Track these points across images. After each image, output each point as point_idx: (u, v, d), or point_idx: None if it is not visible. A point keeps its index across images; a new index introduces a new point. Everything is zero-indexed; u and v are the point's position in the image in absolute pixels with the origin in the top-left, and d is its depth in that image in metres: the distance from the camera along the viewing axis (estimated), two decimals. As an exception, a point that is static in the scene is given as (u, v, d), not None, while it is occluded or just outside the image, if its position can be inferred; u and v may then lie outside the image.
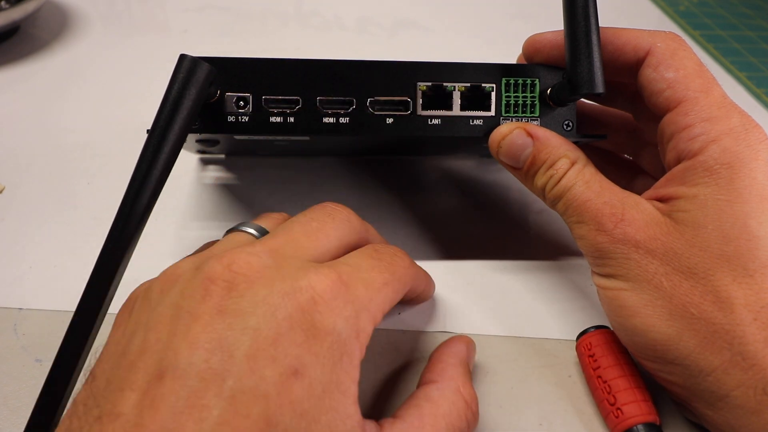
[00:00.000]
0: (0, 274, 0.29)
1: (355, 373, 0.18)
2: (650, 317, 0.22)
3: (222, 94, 0.24)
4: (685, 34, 0.58)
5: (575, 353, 0.27)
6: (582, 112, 0.31)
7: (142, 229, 0.21)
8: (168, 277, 0.20)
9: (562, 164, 0.24)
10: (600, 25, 0.24)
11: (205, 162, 0.37)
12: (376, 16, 0.56)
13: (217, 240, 0.23)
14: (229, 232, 0.23)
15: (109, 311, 0.20)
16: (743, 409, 0.20)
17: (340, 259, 0.21)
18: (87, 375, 0.19)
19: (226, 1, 0.57)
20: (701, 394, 0.21)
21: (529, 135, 0.25)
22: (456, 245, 0.32)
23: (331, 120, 0.25)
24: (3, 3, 0.50)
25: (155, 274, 0.31)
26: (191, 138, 0.27)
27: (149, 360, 0.17)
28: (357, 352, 0.18)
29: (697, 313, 0.21)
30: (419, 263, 0.25)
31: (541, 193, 0.26)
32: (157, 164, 0.21)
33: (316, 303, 0.18)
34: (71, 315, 0.27)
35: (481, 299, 0.30)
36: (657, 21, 0.60)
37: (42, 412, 0.21)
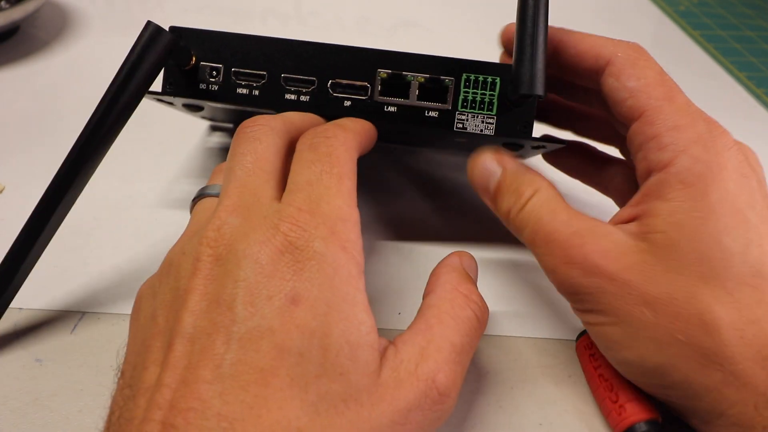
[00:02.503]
0: (0, 274, 0.29)
1: (357, 283, 0.19)
2: (639, 349, 0.21)
3: (198, 63, 0.26)
4: (685, 34, 0.58)
5: (575, 353, 0.27)
6: (565, 106, 0.31)
7: (95, 166, 0.24)
8: (163, 268, 0.21)
9: (527, 191, 0.24)
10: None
11: (213, 128, 0.40)
12: (375, 16, 0.56)
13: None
14: (194, 200, 0.25)
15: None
16: (738, 426, 0.20)
17: (289, 181, 0.22)
18: (117, 377, 0.20)
19: (226, 1, 0.57)
20: (699, 413, 0.21)
21: (500, 163, 0.25)
22: (455, 245, 0.32)
23: (293, 97, 0.26)
24: (3, 3, 0.50)
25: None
26: (179, 102, 0.29)
27: (161, 337, 0.19)
28: (351, 263, 0.19)
29: (684, 339, 0.21)
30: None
31: (506, 218, 0.25)
32: (110, 115, 0.23)
33: (289, 242, 0.19)
34: (71, 315, 0.28)
35: (481, 299, 0.30)
36: (657, 21, 0.60)
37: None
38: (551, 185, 0.24)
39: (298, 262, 0.19)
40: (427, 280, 0.24)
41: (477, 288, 0.23)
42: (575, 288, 0.22)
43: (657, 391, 0.22)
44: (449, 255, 0.25)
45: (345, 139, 0.23)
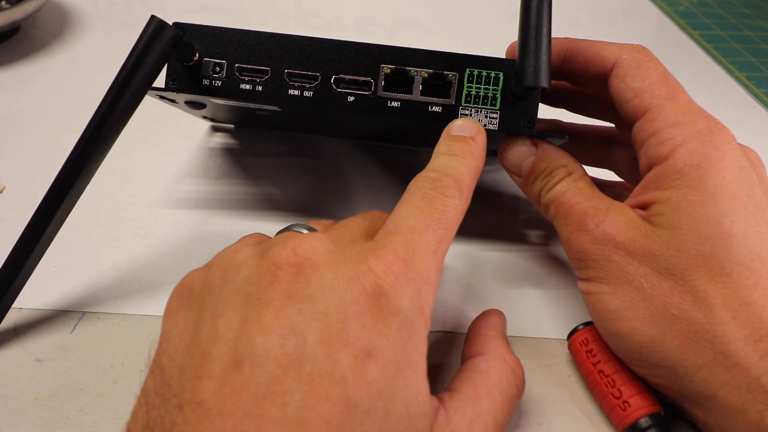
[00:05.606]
0: (0, 273, 0.29)
1: (423, 349, 0.19)
2: (633, 320, 0.22)
3: (201, 59, 0.26)
4: (685, 34, 0.58)
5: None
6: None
7: (103, 155, 0.24)
8: (228, 264, 0.20)
9: (560, 172, 0.26)
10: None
11: (214, 129, 0.40)
12: (376, 16, 0.56)
13: (253, 234, 0.24)
14: (281, 232, 0.23)
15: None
16: (730, 409, 0.20)
17: (390, 219, 0.21)
18: (149, 367, 0.19)
19: (226, 1, 0.57)
20: (689, 394, 0.22)
21: (534, 145, 0.26)
22: (456, 244, 0.32)
23: (296, 92, 0.26)
24: (3, 3, 0.50)
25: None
26: (181, 99, 0.29)
27: (223, 347, 0.17)
28: (423, 328, 0.19)
29: (677, 314, 0.21)
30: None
31: (537, 199, 0.27)
32: (114, 110, 0.23)
33: (379, 286, 0.18)
34: (71, 315, 0.28)
35: (480, 299, 0.30)
36: (657, 21, 0.60)
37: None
38: (583, 169, 0.26)
39: (381, 315, 0.18)
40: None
41: (517, 357, 0.23)
42: (584, 254, 0.24)
43: (647, 371, 0.23)
44: (491, 314, 0.25)
45: (459, 203, 0.21)
